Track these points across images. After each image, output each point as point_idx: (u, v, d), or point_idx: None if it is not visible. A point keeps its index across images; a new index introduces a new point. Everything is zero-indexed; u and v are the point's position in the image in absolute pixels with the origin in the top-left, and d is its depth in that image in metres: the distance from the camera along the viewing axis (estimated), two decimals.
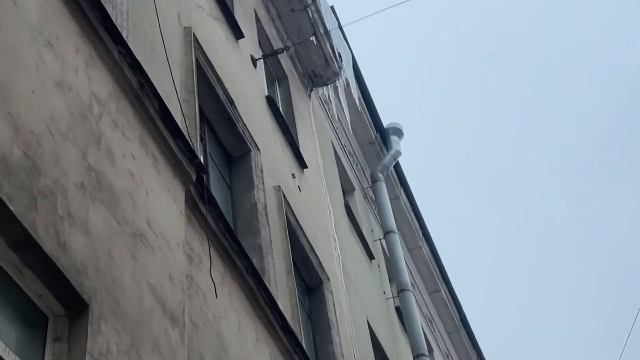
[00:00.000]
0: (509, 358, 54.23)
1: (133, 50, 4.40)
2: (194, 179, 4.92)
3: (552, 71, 59.78)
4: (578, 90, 57.42)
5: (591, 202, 56.99)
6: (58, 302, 3.03)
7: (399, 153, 13.70)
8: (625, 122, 54.15)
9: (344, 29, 11.98)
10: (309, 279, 8.23)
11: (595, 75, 56.51)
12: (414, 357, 10.58)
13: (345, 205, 11.32)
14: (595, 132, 57.04)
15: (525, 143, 59.16)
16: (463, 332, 16.19)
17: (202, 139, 6.50)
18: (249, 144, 7.31)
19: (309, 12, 10.08)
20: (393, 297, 11.86)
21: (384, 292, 11.82)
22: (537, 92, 59.10)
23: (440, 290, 15.35)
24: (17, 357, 2.74)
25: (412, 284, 12.06)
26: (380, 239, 12.58)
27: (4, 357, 2.67)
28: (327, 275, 8.33)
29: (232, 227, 5.86)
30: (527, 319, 54.59)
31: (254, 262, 5.93)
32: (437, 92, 63.68)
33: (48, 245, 2.88)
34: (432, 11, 59.73)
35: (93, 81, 3.91)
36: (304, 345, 6.36)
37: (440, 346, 14.50)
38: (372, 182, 13.09)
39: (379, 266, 12.06)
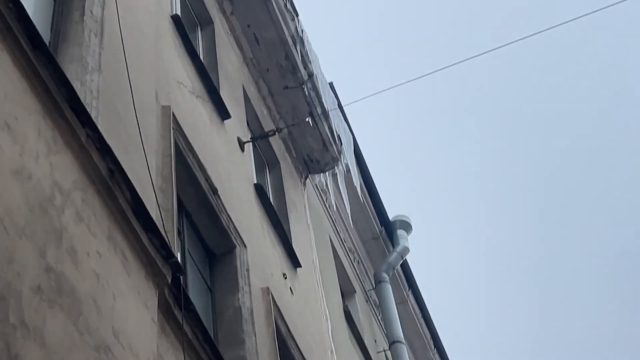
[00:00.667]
0: None
1: (103, 133, 4.36)
2: (169, 281, 4.82)
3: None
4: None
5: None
6: None
7: (406, 250, 13.46)
8: None
9: (345, 108, 11.98)
10: None
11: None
12: None
13: (345, 311, 11.06)
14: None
15: (555, 241, 58.65)
16: None
17: (180, 233, 6.39)
18: (233, 239, 7.22)
19: (305, 89, 10.05)
20: None
21: None
22: (566, 182, 59.11)
23: None
24: None
25: None
26: (385, 350, 12.25)
27: None
28: None
29: (212, 337, 5.71)
30: None
31: None
32: (449, 182, 63.85)
33: None
34: (446, 91, 60.75)
35: (56, 169, 3.87)
36: None
37: None
38: (375, 284, 12.86)
39: None
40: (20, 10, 3.87)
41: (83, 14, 5.19)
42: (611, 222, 57.80)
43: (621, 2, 9.19)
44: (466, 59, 10.46)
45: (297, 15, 10.75)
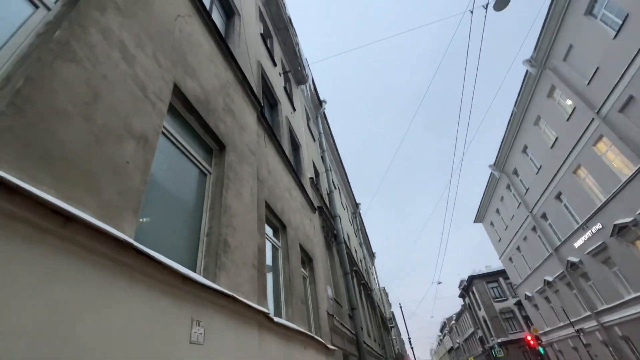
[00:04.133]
0: None
1: (240, 66, 4.62)
2: (260, 110, 5.06)
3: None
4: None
5: None
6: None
7: (324, 104, 13.45)
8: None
9: (311, 66, 11.68)
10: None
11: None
12: None
13: (307, 124, 11.25)
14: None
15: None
16: None
17: (262, 97, 6.39)
18: (277, 101, 7.44)
19: (300, 60, 10.72)
20: None
21: None
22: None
23: None
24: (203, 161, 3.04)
25: None
26: (309, 121, 11.85)
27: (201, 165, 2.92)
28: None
29: (271, 127, 6.00)
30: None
31: (279, 138, 6.34)
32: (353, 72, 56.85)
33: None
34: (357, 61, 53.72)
35: (227, 73, 4.13)
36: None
37: None
38: (315, 118, 13.12)
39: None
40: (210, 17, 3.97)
41: (233, 30, 5.42)
42: None
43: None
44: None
45: (296, 35, 10.48)
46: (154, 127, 2.62)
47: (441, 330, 69.96)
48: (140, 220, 2.49)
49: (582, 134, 13.15)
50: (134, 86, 2.54)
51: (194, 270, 2.95)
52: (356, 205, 19.53)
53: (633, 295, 12.86)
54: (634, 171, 11.00)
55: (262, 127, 5.23)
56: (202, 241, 3.15)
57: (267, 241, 4.67)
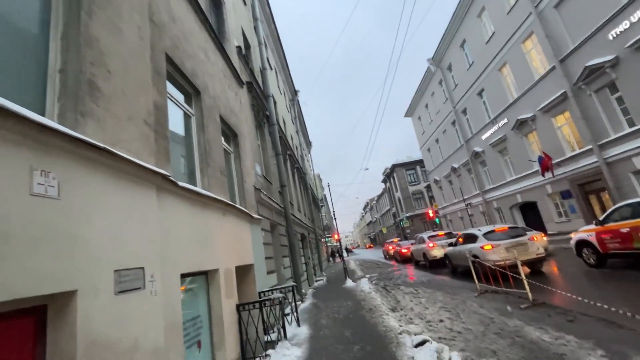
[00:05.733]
0: None
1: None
2: None
3: None
4: None
5: None
6: None
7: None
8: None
9: None
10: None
11: None
12: None
13: (254, 25, 9.64)
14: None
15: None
16: None
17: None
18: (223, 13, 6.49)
19: None
20: None
21: None
22: None
23: None
24: None
25: None
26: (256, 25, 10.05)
27: None
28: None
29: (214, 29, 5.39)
30: None
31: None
32: None
33: None
34: None
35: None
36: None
37: None
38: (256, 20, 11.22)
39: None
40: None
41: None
42: None
43: None
44: None
45: None
46: None
47: (364, 209, 78.71)
48: None
49: (516, 30, 13.17)
50: None
51: (44, 115, 2.39)
52: (295, 92, 18.48)
53: (513, 177, 15.02)
54: (547, 70, 11.43)
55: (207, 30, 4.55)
56: (54, 79, 2.52)
57: (172, 103, 4.13)
